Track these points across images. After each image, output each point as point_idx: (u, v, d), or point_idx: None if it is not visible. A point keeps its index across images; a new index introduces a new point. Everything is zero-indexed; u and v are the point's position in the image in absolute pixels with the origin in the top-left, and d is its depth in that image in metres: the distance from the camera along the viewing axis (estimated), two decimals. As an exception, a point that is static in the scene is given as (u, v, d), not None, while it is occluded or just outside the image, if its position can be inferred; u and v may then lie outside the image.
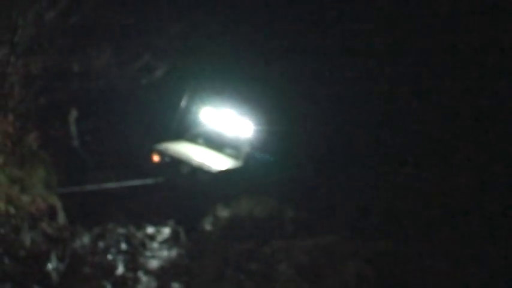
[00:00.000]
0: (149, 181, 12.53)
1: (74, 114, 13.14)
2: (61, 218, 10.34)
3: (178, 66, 13.25)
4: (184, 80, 13.67)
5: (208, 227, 11.34)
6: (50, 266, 8.48)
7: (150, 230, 11.35)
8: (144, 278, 9.08)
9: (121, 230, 10.86)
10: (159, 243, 10.80)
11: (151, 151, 13.35)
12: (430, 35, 14.37)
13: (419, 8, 14.87)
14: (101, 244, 9.82)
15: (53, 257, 8.68)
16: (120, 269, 9.18)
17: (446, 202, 11.35)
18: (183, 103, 13.16)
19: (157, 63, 11.46)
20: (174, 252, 10.36)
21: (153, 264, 9.70)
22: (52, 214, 10.10)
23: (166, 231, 11.38)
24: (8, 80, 8.23)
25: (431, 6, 14.64)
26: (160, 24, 16.41)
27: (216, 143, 14.43)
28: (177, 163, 13.04)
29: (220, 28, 17.30)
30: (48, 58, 9.01)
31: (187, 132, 14.90)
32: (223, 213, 12.01)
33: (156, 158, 13.24)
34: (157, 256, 10.09)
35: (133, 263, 9.55)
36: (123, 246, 10.14)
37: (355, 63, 15.92)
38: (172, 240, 10.94)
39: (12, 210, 8.76)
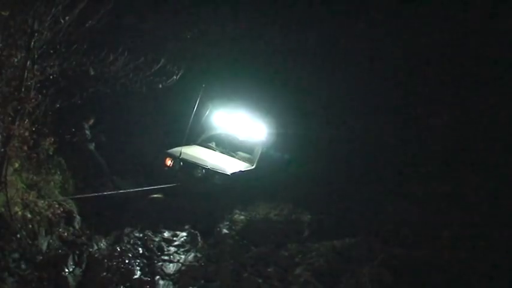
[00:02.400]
0: (164, 186, 12.48)
1: (89, 118, 13.21)
2: (77, 222, 10.34)
3: (192, 70, 13.22)
4: (197, 84, 13.65)
5: (225, 230, 11.30)
6: (66, 270, 8.51)
7: (166, 234, 11.36)
8: (161, 282, 9.08)
9: (138, 235, 10.87)
10: (176, 247, 10.80)
11: (164, 155, 13.32)
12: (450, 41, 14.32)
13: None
14: (117, 248, 9.82)
15: (70, 262, 8.71)
16: (137, 274, 9.19)
17: (460, 206, 11.25)
18: (195, 107, 13.12)
19: (172, 67, 11.40)
20: (190, 256, 10.35)
21: (170, 268, 9.71)
22: (68, 219, 10.12)
23: (183, 235, 11.38)
24: (24, 84, 8.23)
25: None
26: (175, 29, 16.49)
27: (229, 147, 14.51)
28: (190, 167, 13.02)
29: (233, 32, 17.35)
30: (65, 62, 9.01)
31: (200, 136, 14.94)
32: (240, 216, 11.99)
33: (169, 162, 13.21)
34: (174, 260, 10.09)
35: (151, 267, 9.56)
36: (140, 250, 10.15)
37: (372, 65, 15.89)
38: (189, 244, 10.93)
39: (28, 215, 8.78)
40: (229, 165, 13.37)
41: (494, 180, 11.34)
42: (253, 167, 13.81)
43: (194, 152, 13.67)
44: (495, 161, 11.72)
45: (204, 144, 14.65)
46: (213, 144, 14.64)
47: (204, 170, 12.87)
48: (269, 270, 9.54)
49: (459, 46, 13.99)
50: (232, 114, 14.50)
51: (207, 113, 14.61)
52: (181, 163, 13.04)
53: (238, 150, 14.40)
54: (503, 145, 11.89)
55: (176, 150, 13.26)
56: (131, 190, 12.06)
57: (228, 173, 12.82)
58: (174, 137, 14.36)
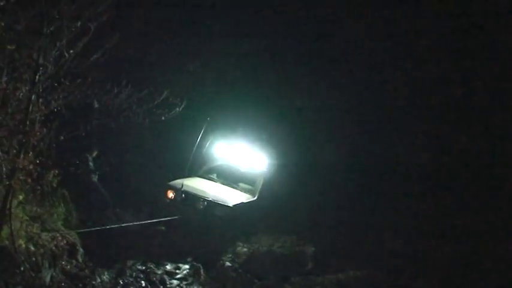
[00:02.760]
0: (166, 218, 12.45)
1: (93, 150, 13.25)
2: (81, 255, 10.31)
3: (194, 102, 13.29)
4: (199, 116, 13.72)
5: (227, 263, 11.26)
6: (70, 304, 8.48)
7: (169, 266, 11.31)
8: (164, 316, 9.04)
9: (140, 267, 10.83)
10: (179, 280, 10.75)
11: (166, 188, 13.29)
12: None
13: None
14: (120, 282, 9.78)
15: (73, 295, 8.67)
16: (140, 307, 9.15)
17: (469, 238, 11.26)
18: (198, 139, 13.15)
19: (175, 99, 11.48)
20: (193, 289, 10.31)
21: (173, 301, 9.67)
22: (72, 252, 10.09)
23: (185, 267, 11.34)
24: (29, 117, 8.28)
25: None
26: (178, 62, 16.62)
27: (230, 178, 14.44)
28: (192, 199, 12.98)
29: (234, 64, 17.50)
30: (69, 95, 9.07)
31: (201, 168, 14.90)
32: (243, 249, 11.94)
33: (170, 195, 13.17)
34: (177, 293, 10.06)
35: (153, 300, 9.52)
36: (143, 283, 10.11)
37: (373, 92, 16.01)
38: (192, 277, 10.88)
39: (32, 248, 8.75)
40: (231, 196, 13.34)
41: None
42: (255, 198, 13.74)
43: (196, 184, 13.62)
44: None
45: (206, 176, 14.59)
46: (214, 176, 14.60)
47: (205, 202, 12.83)
48: (273, 303, 9.50)
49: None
50: (233, 145, 14.51)
51: (208, 144, 14.60)
52: (183, 195, 12.99)
53: (239, 182, 14.35)
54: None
55: (178, 182, 13.24)
56: (134, 223, 12.04)
57: (230, 205, 12.78)
58: (175, 168, 14.37)
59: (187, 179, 13.60)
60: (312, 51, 17.38)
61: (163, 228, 12.83)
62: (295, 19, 17.62)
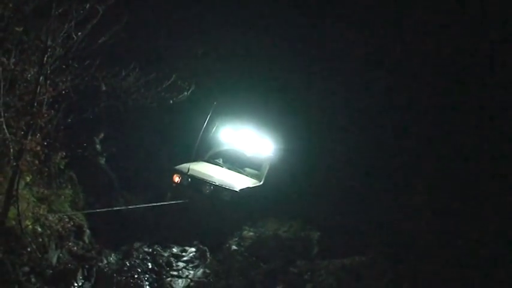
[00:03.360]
0: (173, 202, 12.45)
1: (100, 133, 13.27)
2: (87, 237, 10.38)
3: (202, 87, 13.26)
4: (207, 101, 13.68)
5: (234, 246, 11.29)
6: (76, 285, 8.53)
7: (175, 249, 11.36)
8: (170, 297, 9.09)
9: (147, 249, 10.88)
10: (185, 262, 10.81)
11: (173, 172, 13.27)
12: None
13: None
14: (127, 263, 9.83)
15: (79, 276, 8.73)
16: (146, 288, 9.19)
17: (472, 223, 11.21)
18: (205, 124, 13.13)
19: (183, 83, 11.49)
20: (199, 272, 10.35)
21: (179, 283, 9.71)
22: (79, 233, 10.16)
23: (192, 250, 11.39)
24: (36, 99, 8.29)
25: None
26: (187, 46, 16.59)
27: (236, 163, 14.47)
28: (199, 183, 12.95)
29: (241, 49, 17.44)
30: (77, 78, 9.08)
31: (207, 152, 14.89)
32: (249, 233, 11.97)
33: (177, 179, 13.14)
34: (183, 276, 10.09)
35: (159, 282, 9.56)
36: (149, 265, 10.16)
37: (378, 81, 15.92)
38: (198, 260, 10.94)
39: (39, 229, 8.80)
40: (238, 181, 13.33)
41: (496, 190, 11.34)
42: (261, 183, 13.77)
43: (202, 168, 13.58)
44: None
45: (211, 160, 14.57)
46: (220, 161, 14.60)
47: (212, 187, 12.81)
48: (278, 287, 9.51)
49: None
50: (239, 130, 14.50)
51: (214, 129, 14.58)
52: (189, 179, 13.00)
53: (245, 167, 14.37)
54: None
55: (184, 166, 13.19)
56: (141, 206, 12.07)
57: (237, 190, 12.76)
58: (182, 153, 14.36)
59: (193, 163, 13.53)
60: (324, 37, 17.30)
61: (169, 212, 12.85)
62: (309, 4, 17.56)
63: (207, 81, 15.53)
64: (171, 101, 11.30)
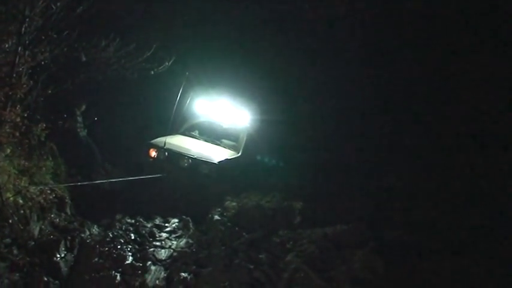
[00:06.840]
0: (152, 176, 12.36)
1: (81, 104, 13.16)
2: (69, 208, 10.36)
3: (181, 58, 13.14)
4: (180, 72, 13.55)
5: (216, 217, 11.32)
6: (58, 256, 8.53)
7: (158, 220, 11.39)
8: (152, 268, 9.10)
9: (129, 221, 10.91)
10: (168, 233, 10.83)
11: (148, 146, 13.05)
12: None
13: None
14: (109, 234, 9.84)
15: (62, 248, 8.72)
16: (129, 259, 9.21)
17: (455, 193, 11.32)
18: (179, 96, 13.00)
19: (164, 54, 11.41)
20: (182, 242, 10.39)
21: (162, 254, 9.73)
22: (60, 205, 10.12)
23: (174, 221, 11.43)
24: (15, 70, 8.21)
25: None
26: (166, 17, 16.47)
27: (213, 135, 14.44)
28: (176, 157, 12.81)
29: (222, 20, 17.36)
30: (56, 48, 9.00)
31: (182, 125, 14.81)
32: (232, 203, 12.02)
33: (153, 153, 12.96)
34: (166, 246, 10.12)
35: (142, 253, 9.58)
36: (132, 236, 10.18)
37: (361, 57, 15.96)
38: (181, 230, 10.97)
39: (20, 201, 8.77)
40: (215, 153, 13.22)
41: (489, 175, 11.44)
42: (239, 154, 13.73)
43: (178, 142, 13.44)
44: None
45: (188, 133, 14.51)
46: (196, 133, 14.55)
47: (190, 160, 12.69)
48: (260, 256, 9.56)
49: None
50: (215, 101, 14.43)
51: (189, 101, 14.45)
52: (166, 154, 12.87)
53: (222, 138, 14.31)
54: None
55: (160, 140, 13.05)
56: (121, 179, 12.01)
57: (215, 162, 12.65)
58: (158, 126, 14.25)
59: (169, 136, 13.39)
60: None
61: (151, 184, 12.79)
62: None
63: (188, 52, 15.44)
64: (152, 72, 11.23)
